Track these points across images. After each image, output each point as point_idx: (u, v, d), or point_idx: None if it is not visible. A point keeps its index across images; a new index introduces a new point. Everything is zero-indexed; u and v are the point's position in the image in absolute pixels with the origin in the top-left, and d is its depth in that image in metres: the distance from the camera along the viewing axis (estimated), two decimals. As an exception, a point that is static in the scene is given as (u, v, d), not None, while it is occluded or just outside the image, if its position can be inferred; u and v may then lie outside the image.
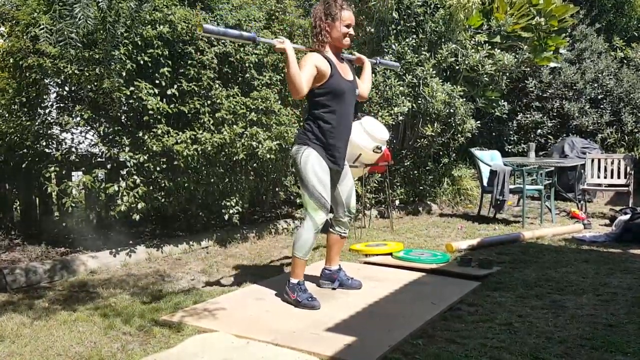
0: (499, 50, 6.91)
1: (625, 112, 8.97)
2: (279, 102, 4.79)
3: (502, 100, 7.47)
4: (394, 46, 6.36)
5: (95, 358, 2.48)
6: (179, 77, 4.38)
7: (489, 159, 6.50)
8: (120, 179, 4.39)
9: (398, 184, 6.90)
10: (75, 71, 3.94)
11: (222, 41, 4.53)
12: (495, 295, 3.40)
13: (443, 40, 6.58)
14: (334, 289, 3.50)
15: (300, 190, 3.32)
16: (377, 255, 4.44)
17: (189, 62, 4.36)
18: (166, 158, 4.32)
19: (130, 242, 4.54)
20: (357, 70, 3.53)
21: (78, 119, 4.23)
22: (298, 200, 5.85)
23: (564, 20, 7.81)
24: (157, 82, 4.23)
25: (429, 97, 6.33)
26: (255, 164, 4.91)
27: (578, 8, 8.57)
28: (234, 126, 4.43)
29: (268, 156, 4.59)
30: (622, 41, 10.01)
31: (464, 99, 6.71)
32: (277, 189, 5.78)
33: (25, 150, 4.46)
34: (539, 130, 9.15)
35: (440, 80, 6.46)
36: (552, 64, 8.53)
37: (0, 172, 4.71)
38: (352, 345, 2.59)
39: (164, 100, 4.24)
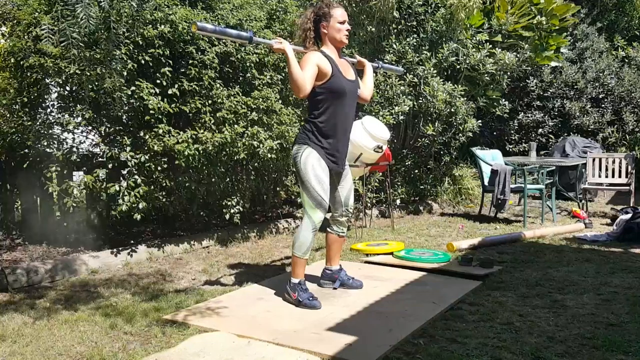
0: (500, 50, 6.91)
1: (627, 111, 8.97)
2: (280, 101, 4.79)
3: (503, 100, 7.47)
4: (394, 45, 6.36)
5: (96, 358, 2.48)
6: (180, 76, 4.38)
7: (490, 158, 6.50)
8: (122, 178, 4.39)
9: (399, 183, 6.90)
10: (77, 71, 3.94)
11: (223, 41, 4.53)
12: (496, 295, 3.40)
13: (444, 39, 6.58)
14: (335, 288, 3.50)
15: (299, 189, 3.32)
16: (378, 254, 4.44)
17: (190, 61, 4.36)
18: (167, 158, 4.33)
19: (132, 241, 4.54)
20: (359, 74, 3.53)
21: (79, 118, 4.23)
22: (299, 200, 5.85)
23: (565, 19, 7.81)
24: (158, 81, 4.24)
25: (429, 96, 6.33)
26: (256, 164, 4.91)
27: (579, 7, 8.57)
28: (235, 126, 4.43)
29: (269, 156, 4.60)
30: (624, 40, 10.00)
31: (465, 99, 6.71)
32: (278, 189, 5.78)
33: (26, 150, 4.47)
34: (540, 130, 9.14)
35: (441, 80, 6.46)
36: (553, 63, 8.53)
37: (2, 172, 4.71)
38: (353, 345, 2.59)
39: (165, 99, 4.25)
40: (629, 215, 5.29)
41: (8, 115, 4.35)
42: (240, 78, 4.80)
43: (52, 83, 4.35)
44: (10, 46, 4.13)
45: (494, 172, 6.08)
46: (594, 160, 7.05)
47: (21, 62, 4.07)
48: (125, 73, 4.00)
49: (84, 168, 4.60)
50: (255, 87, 4.72)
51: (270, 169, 5.20)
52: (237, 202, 4.73)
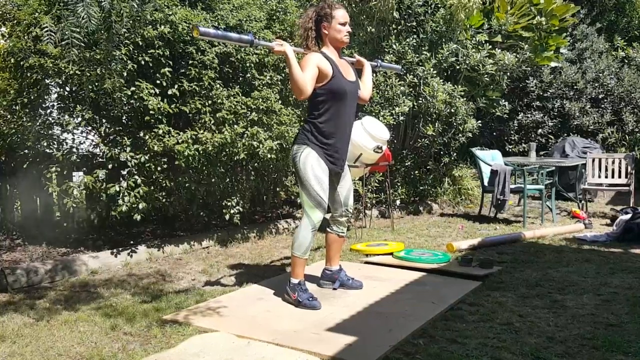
0: (499, 50, 6.91)
1: (626, 111, 8.97)
2: (280, 101, 4.79)
3: (503, 100, 7.47)
4: (394, 46, 6.36)
5: (96, 358, 2.48)
6: (180, 77, 4.39)
7: (490, 158, 6.50)
8: (122, 179, 4.39)
9: (399, 183, 6.90)
10: (77, 71, 3.94)
11: (223, 41, 4.53)
12: (496, 295, 3.40)
13: (444, 40, 6.58)
14: (334, 289, 3.50)
15: (298, 189, 3.32)
16: (377, 255, 4.44)
17: (190, 62, 4.37)
18: (167, 158, 4.33)
19: (131, 242, 4.54)
20: (358, 73, 3.53)
21: (79, 119, 4.23)
22: (299, 200, 5.85)
23: (564, 19, 7.81)
24: (158, 82, 4.24)
25: (429, 96, 6.33)
26: (256, 164, 4.91)
27: (579, 7, 8.58)
28: (235, 126, 4.43)
29: (269, 156, 4.60)
30: (623, 41, 10.00)
31: (465, 99, 6.71)
32: (277, 189, 5.79)
33: (26, 151, 4.46)
34: (540, 130, 9.14)
35: (441, 80, 6.46)
36: (553, 64, 8.53)
37: (2, 173, 4.71)
38: (353, 345, 2.59)
39: (165, 100, 4.25)
40: (628, 216, 5.29)
41: (8, 116, 4.35)
42: (240, 78, 4.80)
43: (52, 83, 4.35)
44: (10, 46, 4.13)
45: (494, 173, 6.09)
46: (593, 160, 7.05)
47: (21, 63, 4.07)
48: (125, 73, 4.00)
49: (84, 168, 4.60)
50: (255, 88, 4.72)
51: (270, 169, 5.20)
52: (237, 202, 4.73)
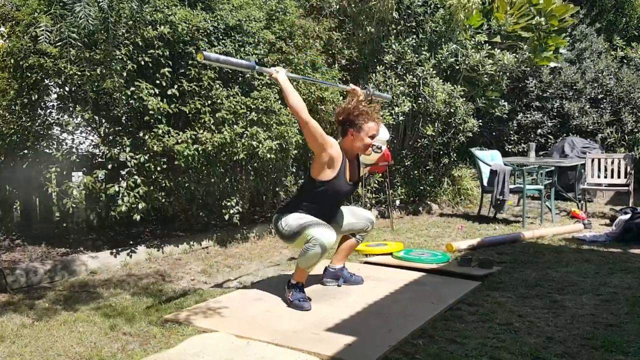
0: (499, 50, 6.91)
1: (625, 111, 8.98)
2: (279, 101, 4.79)
3: (502, 100, 7.47)
4: (394, 46, 6.37)
5: (95, 358, 2.48)
6: (180, 77, 4.38)
7: (489, 158, 6.50)
8: (121, 179, 4.39)
9: (398, 184, 6.90)
10: (76, 71, 3.94)
11: (222, 41, 4.53)
12: (495, 295, 3.40)
13: (443, 40, 6.59)
14: (339, 285, 3.57)
15: (291, 245, 3.34)
16: (377, 255, 4.44)
17: (190, 62, 4.37)
18: (167, 158, 4.32)
19: (131, 242, 4.54)
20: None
21: (79, 119, 4.22)
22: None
23: (564, 20, 7.81)
24: (157, 82, 4.24)
25: (429, 97, 6.33)
26: (255, 164, 4.91)
27: (578, 8, 8.58)
28: (235, 126, 4.43)
29: (268, 156, 4.60)
30: (622, 41, 10.01)
31: (464, 99, 6.71)
32: (277, 189, 5.78)
33: (25, 151, 4.46)
34: (539, 130, 9.15)
35: (441, 80, 6.46)
36: (552, 64, 8.54)
37: (1, 173, 4.71)
38: (352, 345, 2.60)
39: (165, 100, 4.24)
40: (628, 216, 5.30)
41: (8, 116, 4.34)
42: (240, 78, 4.80)
43: (52, 84, 4.35)
44: (9, 47, 4.13)
45: (493, 173, 6.09)
46: (593, 160, 7.05)
47: (21, 63, 4.07)
48: (124, 74, 3.99)
49: (84, 169, 4.59)
50: (254, 88, 4.72)
51: (270, 169, 5.20)
52: (236, 202, 4.73)
